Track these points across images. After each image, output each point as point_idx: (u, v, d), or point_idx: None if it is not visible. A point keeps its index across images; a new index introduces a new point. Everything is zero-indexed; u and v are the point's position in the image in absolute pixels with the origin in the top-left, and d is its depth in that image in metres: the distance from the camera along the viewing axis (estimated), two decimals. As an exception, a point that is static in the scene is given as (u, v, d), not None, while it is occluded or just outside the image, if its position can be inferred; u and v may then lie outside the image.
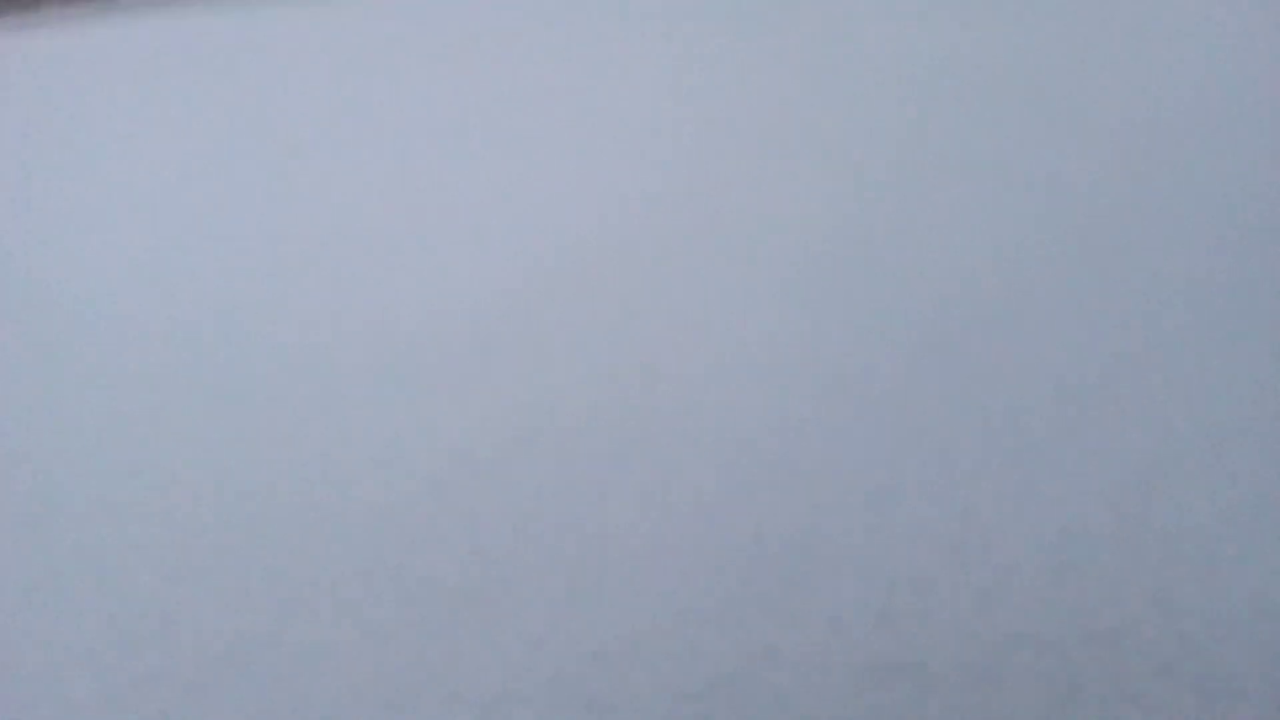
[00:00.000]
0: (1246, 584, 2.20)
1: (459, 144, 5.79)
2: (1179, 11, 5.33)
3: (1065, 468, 2.65)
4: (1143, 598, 2.18)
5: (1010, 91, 4.97)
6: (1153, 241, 4.09)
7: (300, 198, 5.43)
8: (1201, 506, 2.44)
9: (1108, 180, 4.73)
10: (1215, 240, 4.05)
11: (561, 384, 3.33)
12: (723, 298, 3.99)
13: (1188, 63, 4.70)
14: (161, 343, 4.09)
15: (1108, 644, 2.07)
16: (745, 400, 3.13)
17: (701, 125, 5.01)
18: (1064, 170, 4.82)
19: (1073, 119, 4.91)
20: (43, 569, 2.63)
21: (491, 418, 3.14)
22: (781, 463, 2.77)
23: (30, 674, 2.24)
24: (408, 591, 2.37)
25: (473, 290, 4.31)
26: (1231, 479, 2.56)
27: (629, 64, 5.43)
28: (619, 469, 2.80)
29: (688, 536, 2.48)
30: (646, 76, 5.33)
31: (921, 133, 5.09)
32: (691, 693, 2.02)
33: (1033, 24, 5.02)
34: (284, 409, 3.36)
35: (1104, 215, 4.44)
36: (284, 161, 5.40)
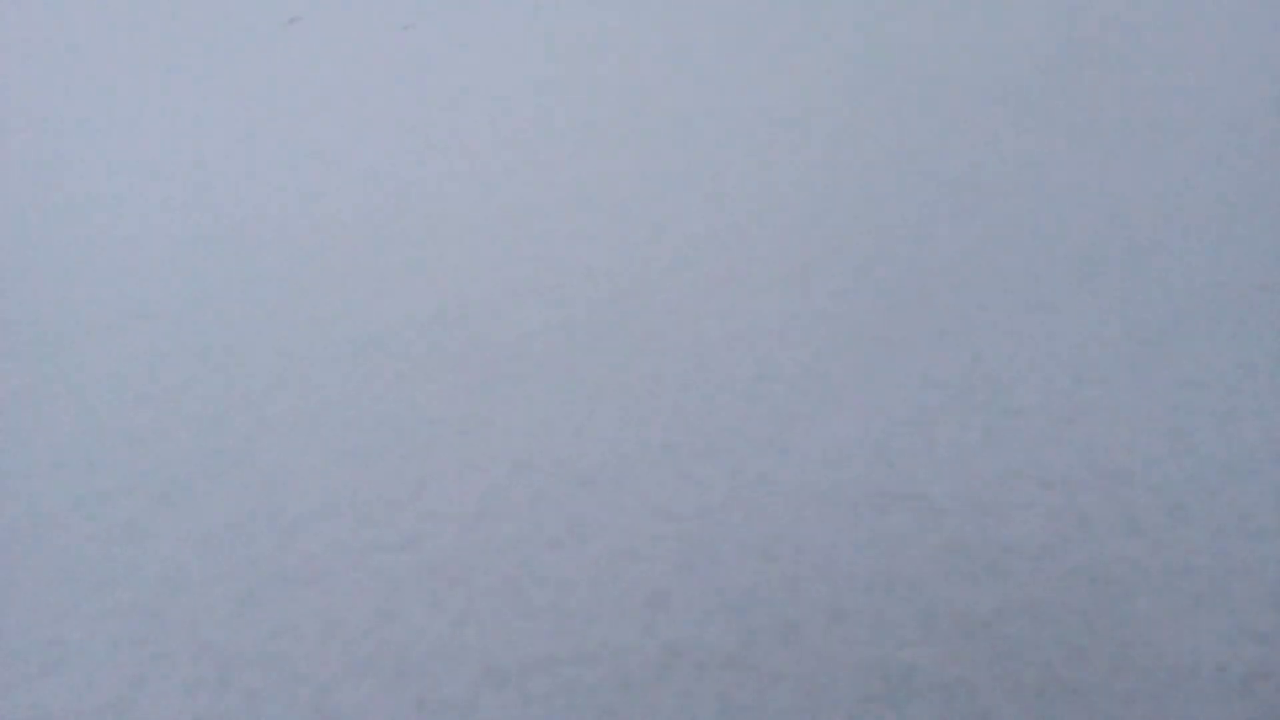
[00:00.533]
0: (1262, 428, 2.09)
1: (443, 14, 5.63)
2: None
3: (1079, 319, 2.53)
4: (1155, 439, 2.08)
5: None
6: (1179, 98, 3.92)
7: (292, 61, 5.27)
8: (1218, 356, 2.33)
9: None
10: (1242, 97, 3.88)
11: (556, 234, 3.20)
12: (726, 134, 3.84)
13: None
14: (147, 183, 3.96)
15: (1118, 481, 1.97)
16: (744, 241, 3.00)
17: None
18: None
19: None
20: (15, 385, 2.53)
21: (482, 266, 3.02)
22: (784, 303, 2.66)
23: (-5, 487, 2.16)
24: (386, 416, 2.27)
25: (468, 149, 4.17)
26: (1251, 326, 2.44)
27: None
28: (613, 306, 2.68)
29: (684, 371, 2.38)
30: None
31: None
32: (677, 515, 1.93)
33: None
34: (267, 250, 3.24)
35: (1123, 67, 4.26)
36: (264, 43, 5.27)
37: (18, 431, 2.30)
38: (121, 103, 5.20)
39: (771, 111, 4.37)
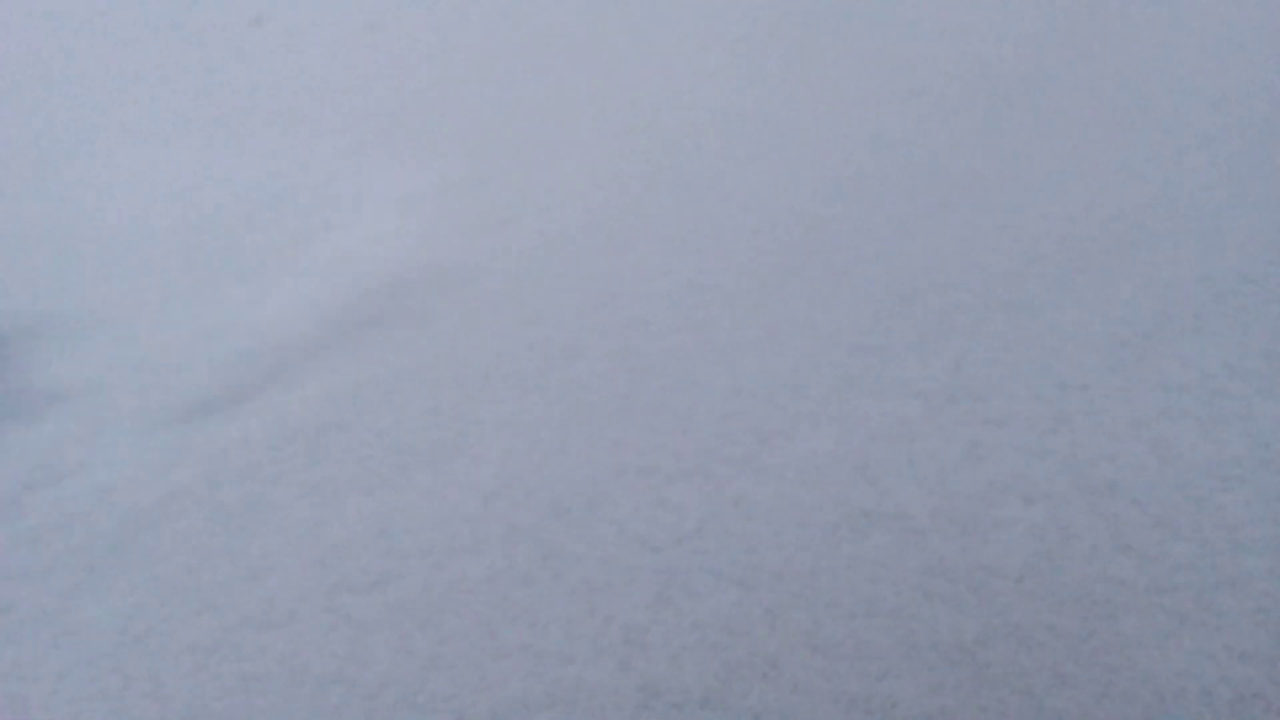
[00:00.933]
0: (1247, 432, 2.05)
1: None
2: None
3: (1062, 320, 2.48)
4: (1140, 448, 2.03)
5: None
6: (1161, 86, 3.87)
7: None
8: (1203, 356, 2.28)
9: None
10: (1226, 82, 3.82)
11: (521, 241, 3.14)
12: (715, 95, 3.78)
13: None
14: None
15: (1102, 494, 1.93)
16: (717, 247, 2.95)
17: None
18: None
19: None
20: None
21: (446, 276, 2.96)
22: (759, 311, 2.61)
23: None
24: (351, 444, 2.22)
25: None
26: (1236, 321, 2.40)
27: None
28: (582, 319, 2.63)
29: (658, 388, 2.33)
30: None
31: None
32: (654, 543, 1.88)
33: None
34: (221, 258, 3.17)
35: (1114, 50, 4.20)
36: None
37: (-21, 472, 2.24)
38: (84, 109, 5.12)
39: (745, 109, 4.31)
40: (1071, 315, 2.50)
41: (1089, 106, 3.85)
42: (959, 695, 1.58)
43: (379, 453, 2.18)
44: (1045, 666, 1.61)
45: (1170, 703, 1.54)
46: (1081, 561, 1.79)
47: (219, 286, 3.07)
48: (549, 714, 1.59)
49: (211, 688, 1.66)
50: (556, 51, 5.18)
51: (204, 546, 1.95)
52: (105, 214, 3.76)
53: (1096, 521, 1.88)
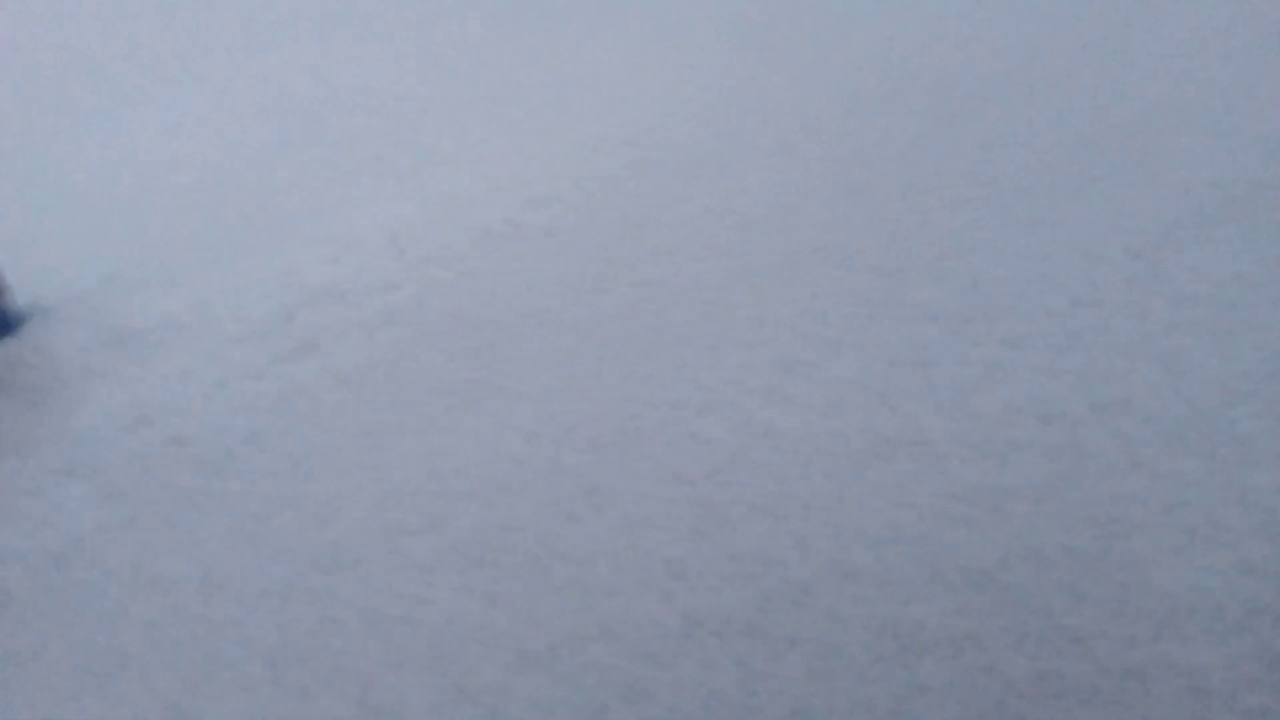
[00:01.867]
0: (1257, 344, 2.13)
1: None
2: None
3: (1075, 233, 2.54)
4: (1152, 363, 2.12)
5: None
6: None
7: None
8: (1215, 266, 2.35)
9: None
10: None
11: (549, 180, 3.19)
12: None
13: None
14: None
15: (1115, 412, 2.02)
16: (734, 175, 2.99)
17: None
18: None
19: None
20: (33, 380, 2.59)
21: (476, 221, 3.03)
22: (777, 235, 2.67)
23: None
24: (400, 389, 2.33)
25: None
26: (1247, 228, 2.45)
27: None
28: (606, 252, 2.70)
29: (682, 320, 2.42)
30: None
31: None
32: (689, 478, 1.99)
33: None
34: (262, 205, 3.24)
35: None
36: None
37: (42, 437, 2.36)
38: (90, 75, 5.12)
39: (756, 29, 4.28)
40: (1084, 228, 2.55)
41: (1097, 6, 3.81)
42: (982, 617, 1.71)
43: (424, 395, 2.29)
44: (1062, 586, 1.73)
45: (1182, 618, 1.66)
46: (1096, 480, 1.90)
47: (268, 238, 3.15)
48: (601, 645, 1.73)
49: (292, 630, 1.80)
50: (592, 24, 5.12)
51: (270, 494, 2.08)
52: (148, 170, 3.81)
53: (1110, 440, 1.97)
